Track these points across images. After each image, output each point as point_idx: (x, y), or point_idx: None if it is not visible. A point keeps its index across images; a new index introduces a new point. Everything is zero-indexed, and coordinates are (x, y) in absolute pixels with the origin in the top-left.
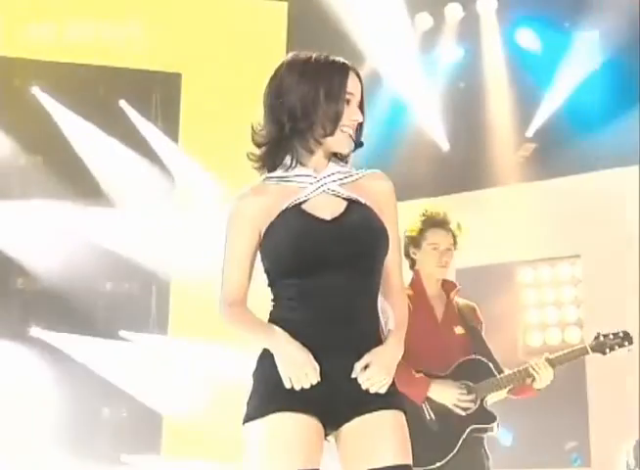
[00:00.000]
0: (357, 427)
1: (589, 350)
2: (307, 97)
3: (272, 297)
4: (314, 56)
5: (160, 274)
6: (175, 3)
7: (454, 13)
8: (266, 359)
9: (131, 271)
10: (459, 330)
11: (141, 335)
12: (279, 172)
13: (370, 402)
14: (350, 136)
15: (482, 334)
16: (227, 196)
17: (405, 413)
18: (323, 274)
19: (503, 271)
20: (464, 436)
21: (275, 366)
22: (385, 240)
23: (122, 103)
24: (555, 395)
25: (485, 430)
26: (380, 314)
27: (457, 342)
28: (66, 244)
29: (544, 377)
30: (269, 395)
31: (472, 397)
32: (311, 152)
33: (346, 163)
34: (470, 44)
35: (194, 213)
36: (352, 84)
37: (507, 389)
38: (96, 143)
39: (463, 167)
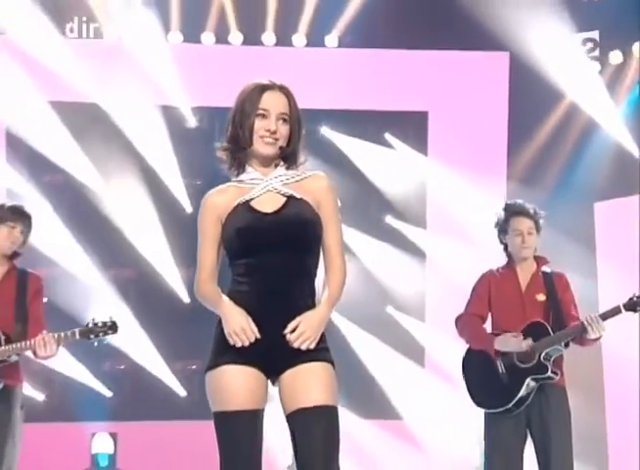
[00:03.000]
0: (291, 376)
1: (622, 308)
2: (234, 117)
3: (231, 274)
4: (253, 81)
5: None
6: (415, 59)
7: None
8: (221, 324)
9: None
10: (541, 297)
11: None
12: (239, 177)
13: (301, 356)
14: (272, 142)
15: (570, 297)
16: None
17: (334, 366)
18: (263, 256)
19: None
20: (525, 384)
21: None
22: (315, 228)
23: (387, 135)
24: None
25: (542, 379)
26: (315, 287)
27: (538, 307)
28: None
29: (595, 328)
30: (220, 351)
31: (529, 341)
32: (249, 160)
33: (294, 167)
34: None
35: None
36: (268, 101)
37: (563, 343)
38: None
39: None
